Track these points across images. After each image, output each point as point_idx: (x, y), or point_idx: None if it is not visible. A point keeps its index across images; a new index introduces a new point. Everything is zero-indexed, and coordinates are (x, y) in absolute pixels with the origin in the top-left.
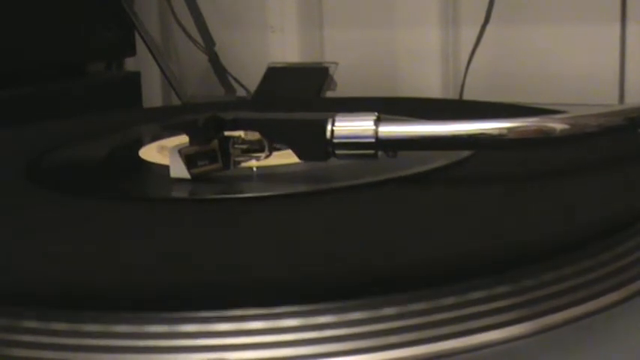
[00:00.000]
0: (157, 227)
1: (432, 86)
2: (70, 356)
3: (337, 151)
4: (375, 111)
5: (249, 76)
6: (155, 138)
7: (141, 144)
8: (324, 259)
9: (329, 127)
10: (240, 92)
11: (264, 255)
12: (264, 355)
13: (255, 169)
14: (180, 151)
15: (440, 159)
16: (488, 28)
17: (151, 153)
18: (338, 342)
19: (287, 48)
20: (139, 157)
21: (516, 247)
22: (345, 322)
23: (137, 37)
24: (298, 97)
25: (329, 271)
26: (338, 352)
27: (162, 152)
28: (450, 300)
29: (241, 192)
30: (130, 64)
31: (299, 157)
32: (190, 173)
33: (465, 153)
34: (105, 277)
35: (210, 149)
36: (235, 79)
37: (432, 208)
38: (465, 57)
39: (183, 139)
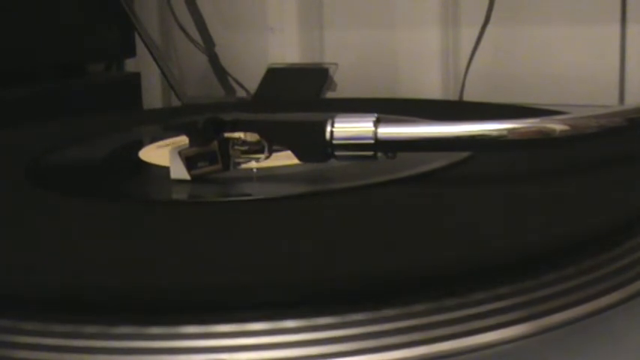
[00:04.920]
0: (158, 228)
1: (432, 87)
2: (71, 357)
3: (336, 153)
4: (375, 112)
5: (249, 77)
6: (155, 139)
7: (141, 145)
8: (325, 261)
9: (328, 129)
10: (240, 93)
11: (264, 256)
12: (266, 356)
13: (255, 170)
14: (180, 153)
15: (440, 160)
16: (488, 28)
17: (151, 154)
18: (338, 343)
19: (287, 48)
20: (139, 158)
21: (516, 247)
22: (345, 324)
23: (137, 37)
24: (298, 98)
25: (329, 273)
26: (338, 353)
27: (163, 153)
28: (450, 301)
29: (241, 193)
30: (130, 64)
31: (298, 158)
32: (190, 174)
33: (465, 154)
34: (105, 279)
35: (210, 150)
36: (235, 80)
37: (432, 209)
38: (465, 57)
39: (183, 140)
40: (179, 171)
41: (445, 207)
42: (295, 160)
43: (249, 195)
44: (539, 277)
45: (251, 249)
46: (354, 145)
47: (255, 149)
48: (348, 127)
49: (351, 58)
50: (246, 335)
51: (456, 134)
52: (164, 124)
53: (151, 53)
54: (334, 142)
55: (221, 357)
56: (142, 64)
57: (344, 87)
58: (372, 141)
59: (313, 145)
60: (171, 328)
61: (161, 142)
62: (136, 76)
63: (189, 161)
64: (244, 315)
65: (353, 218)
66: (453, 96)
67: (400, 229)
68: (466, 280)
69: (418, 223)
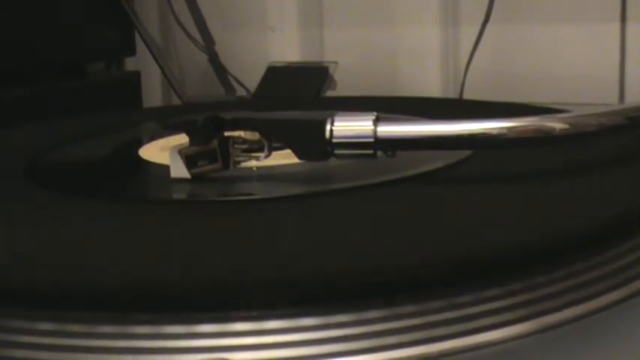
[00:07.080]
0: (157, 228)
1: (432, 86)
2: (75, 357)
3: (336, 151)
4: (375, 111)
5: (249, 76)
6: (155, 138)
7: (141, 144)
8: (326, 260)
9: (328, 127)
10: (241, 92)
11: (264, 255)
12: (266, 355)
13: (255, 169)
14: (180, 151)
15: (440, 159)
16: (488, 27)
17: (151, 153)
18: (338, 342)
19: (287, 48)
20: (139, 157)
21: (516, 247)
22: (345, 323)
23: (137, 37)
24: (298, 96)
25: (330, 272)
26: (338, 352)
27: (163, 152)
28: (451, 300)
29: (241, 192)
30: (130, 64)
31: (298, 156)
32: (190, 173)
33: (465, 153)
34: (105, 278)
35: (210, 149)
36: (235, 79)
37: (432, 208)
38: (465, 57)
39: (183, 139)
40: (179, 170)
41: (445, 206)
42: (295, 159)
43: (250, 194)
44: (540, 276)
45: (255, 248)
46: (353, 144)
47: (255, 148)
48: (347, 126)
49: (351, 56)
50: (260, 334)
51: (456, 133)
52: (164, 123)
53: (151, 52)
54: (334, 140)
55: (223, 357)
56: (142, 63)
57: (344, 85)
58: (372, 139)
59: (313, 143)
60: (186, 327)
61: (161, 141)
62: (136, 75)
63: (189, 160)
64: (260, 314)
65: (353, 217)
66: (452, 94)
67: (400, 229)
68: (467, 279)
69: (418, 222)
